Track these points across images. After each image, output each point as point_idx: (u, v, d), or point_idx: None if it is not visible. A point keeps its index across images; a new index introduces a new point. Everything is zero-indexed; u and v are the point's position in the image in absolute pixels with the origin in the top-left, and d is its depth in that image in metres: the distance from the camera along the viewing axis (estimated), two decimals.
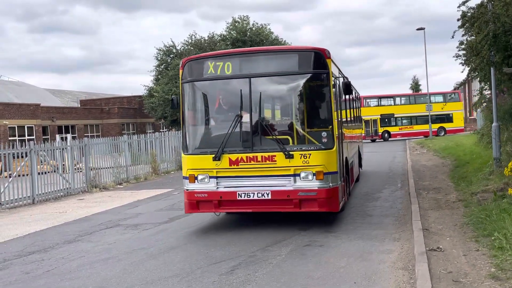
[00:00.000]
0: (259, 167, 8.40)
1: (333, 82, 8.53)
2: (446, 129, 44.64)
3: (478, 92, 17.28)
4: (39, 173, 15.27)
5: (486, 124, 20.42)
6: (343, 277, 5.94)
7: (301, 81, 8.56)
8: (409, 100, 45.68)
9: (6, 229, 10.82)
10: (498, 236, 6.73)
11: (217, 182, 8.60)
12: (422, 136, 43.42)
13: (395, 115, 43.59)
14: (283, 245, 7.67)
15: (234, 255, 7.23)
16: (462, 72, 14.97)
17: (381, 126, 43.15)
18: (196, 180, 8.73)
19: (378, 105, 43.31)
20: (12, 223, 11.63)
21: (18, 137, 32.60)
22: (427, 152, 26.22)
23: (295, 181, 8.28)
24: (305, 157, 8.24)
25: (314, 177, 8.21)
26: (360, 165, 15.93)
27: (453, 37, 13.08)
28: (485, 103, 18.07)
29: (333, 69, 8.72)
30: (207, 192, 8.64)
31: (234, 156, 8.50)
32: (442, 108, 39.96)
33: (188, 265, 6.85)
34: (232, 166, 8.50)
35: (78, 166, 17.84)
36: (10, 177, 14.51)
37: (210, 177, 8.62)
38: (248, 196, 8.42)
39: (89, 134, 40.41)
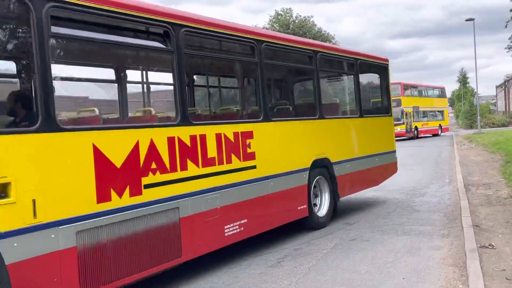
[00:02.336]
0: None
1: None
2: (443, 127, 40.98)
3: None
4: None
5: None
6: (390, 272, 5.85)
7: None
8: (424, 93, 39.36)
9: None
10: None
11: None
12: (431, 134, 39.33)
13: (420, 109, 37.27)
14: (329, 239, 7.64)
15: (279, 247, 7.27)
16: None
17: (414, 121, 36.18)
18: None
19: (410, 95, 36.30)
20: None
21: None
22: (476, 147, 25.48)
23: None
24: None
25: None
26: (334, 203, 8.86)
27: (506, 26, 12.70)
28: None
29: None
30: None
31: None
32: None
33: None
34: None
35: None
36: None
37: None
38: None
39: None
